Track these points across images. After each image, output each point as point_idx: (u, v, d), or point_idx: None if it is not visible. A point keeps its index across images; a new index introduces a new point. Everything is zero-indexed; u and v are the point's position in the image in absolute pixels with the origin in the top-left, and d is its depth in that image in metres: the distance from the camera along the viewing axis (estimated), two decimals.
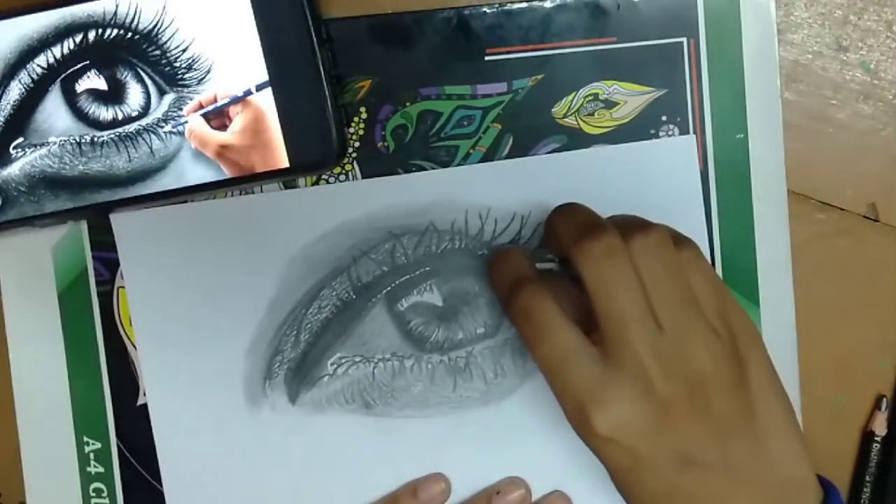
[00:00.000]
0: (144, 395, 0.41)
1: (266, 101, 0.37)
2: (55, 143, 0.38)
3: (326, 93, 0.37)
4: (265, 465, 0.41)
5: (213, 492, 0.41)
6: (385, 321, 0.40)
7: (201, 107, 0.37)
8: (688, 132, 0.40)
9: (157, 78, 0.37)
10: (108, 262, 0.41)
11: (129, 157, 0.38)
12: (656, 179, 0.40)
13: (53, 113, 0.37)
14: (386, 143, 0.40)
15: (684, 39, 0.39)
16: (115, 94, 0.37)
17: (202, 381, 0.41)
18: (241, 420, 0.41)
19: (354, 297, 0.40)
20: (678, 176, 0.40)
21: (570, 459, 0.41)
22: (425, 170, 0.40)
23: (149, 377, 0.41)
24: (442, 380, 0.40)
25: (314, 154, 0.37)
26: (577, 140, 0.40)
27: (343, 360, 0.40)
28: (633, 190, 0.40)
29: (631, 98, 0.40)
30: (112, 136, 0.37)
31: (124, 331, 0.41)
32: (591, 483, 0.41)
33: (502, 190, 0.40)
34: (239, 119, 0.37)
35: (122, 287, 0.41)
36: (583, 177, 0.40)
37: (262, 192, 0.40)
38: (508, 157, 0.40)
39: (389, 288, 0.40)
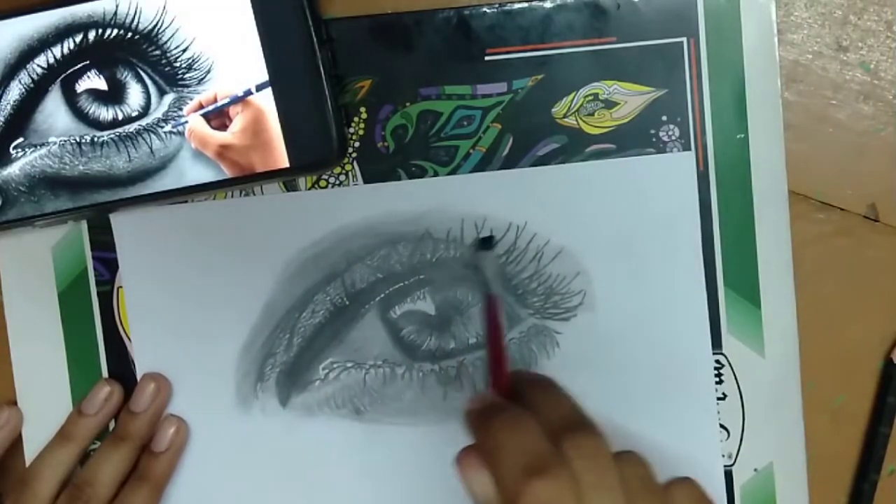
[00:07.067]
0: None
1: (266, 101, 0.37)
2: (55, 143, 0.38)
3: (326, 93, 0.37)
4: (254, 466, 0.41)
5: (202, 491, 0.41)
6: (378, 328, 0.40)
7: (201, 107, 0.37)
8: (688, 132, 0.40)
9: (157, 78, 0.37)
10: (108, 262, 0.41)
11: (129, 157, 0.38)
12: (654, 194, 0.40)
13: (53, 113, 0.37)
14: (386, 143, 0.40)
15: (684, 39, 0.39)
16: (115, 94, 0.37)
17: (195, 381, 0.41)
18: (232, 421, 0.41)
19: (348, 302, 0.40)
20: (676, 191, 0.39)
21: None
22: (425, 170, 0.40)
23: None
24: (432, 388, 0.40)
25: (314, 154, 0.37)
26: (577, 140, 0.40)
27: (335, 366, 0.40)
28: (631, 204, 0.39)
29: (631, 98, 0.40)
30: (112, 136, 0.37)
31: (124, 330, 0.41)
32: None
33: (498, 200, 0.40)
34: (239, 119, 0.37)
35: (122, 287, 0.41)
36: (580, 189, 0.40)
37: (262, 192, 0.40)
38: (508, 156, 0.40)
39: (383, 295, 0.40)
